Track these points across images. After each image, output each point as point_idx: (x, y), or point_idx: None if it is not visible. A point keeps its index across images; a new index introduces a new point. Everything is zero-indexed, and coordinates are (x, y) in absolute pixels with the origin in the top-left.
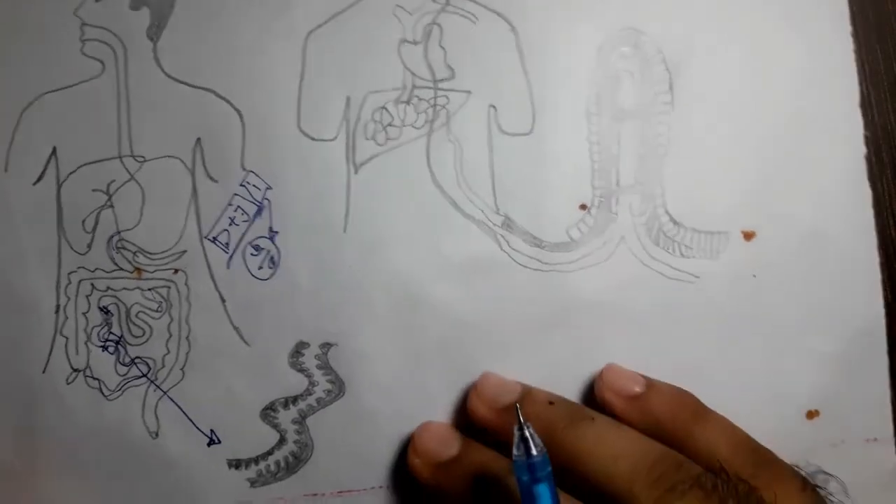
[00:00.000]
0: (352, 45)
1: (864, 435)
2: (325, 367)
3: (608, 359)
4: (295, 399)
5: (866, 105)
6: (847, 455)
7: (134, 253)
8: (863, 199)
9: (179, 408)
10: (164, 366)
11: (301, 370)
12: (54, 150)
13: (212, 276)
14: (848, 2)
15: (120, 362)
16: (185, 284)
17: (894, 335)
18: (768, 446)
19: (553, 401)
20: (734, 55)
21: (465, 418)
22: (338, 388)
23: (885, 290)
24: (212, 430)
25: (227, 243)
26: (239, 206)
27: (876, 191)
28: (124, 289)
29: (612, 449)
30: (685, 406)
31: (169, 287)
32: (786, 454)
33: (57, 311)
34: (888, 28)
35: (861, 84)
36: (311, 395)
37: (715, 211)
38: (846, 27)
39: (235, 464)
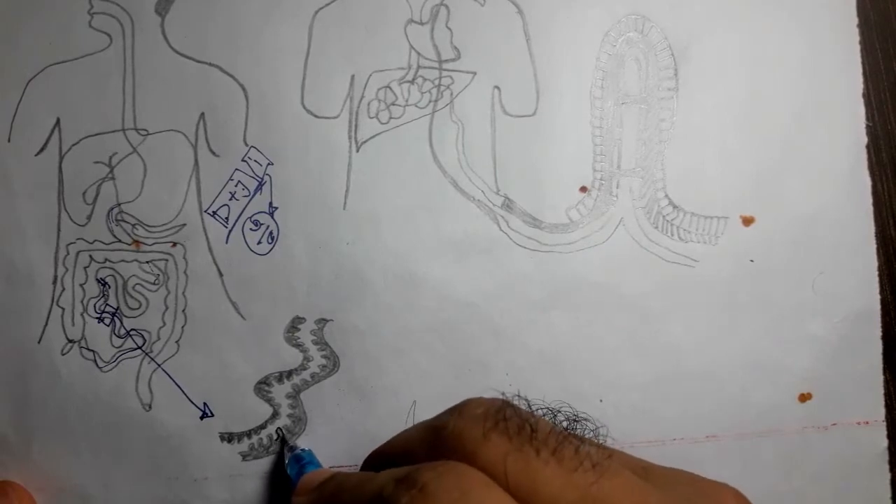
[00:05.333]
0: (358, 24)
1: (856, 418)
2: (321, 342)
3: (605, 340)
4: (290, 373)
5: (867, 105)
6: (838, 437)
7: (133, 225)
8: (861, 187)
9: (173, 380)
10: (159, 338)
11: (296, 345)
12: (58, 122)
13: (210, 250)
14: None
15: (115, 334)
16: (184, 258)
17: (888, 322)
18: (761, 428)
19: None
20: (739, 43)
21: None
22: (332, 363)
23: (882, 289)
24: (205, 404)
25: (226, 218)
26: (240, 181)
27: (876, 191)
28: (122, 261)
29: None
30: None
31: (167, 260)
32: (778, 436)
33: (54, 282)
34: (888, 28)
35: (862, 84)
36: (305, 369)
37: (715, 196)
38: (852, 18)
39: (228, 437)
